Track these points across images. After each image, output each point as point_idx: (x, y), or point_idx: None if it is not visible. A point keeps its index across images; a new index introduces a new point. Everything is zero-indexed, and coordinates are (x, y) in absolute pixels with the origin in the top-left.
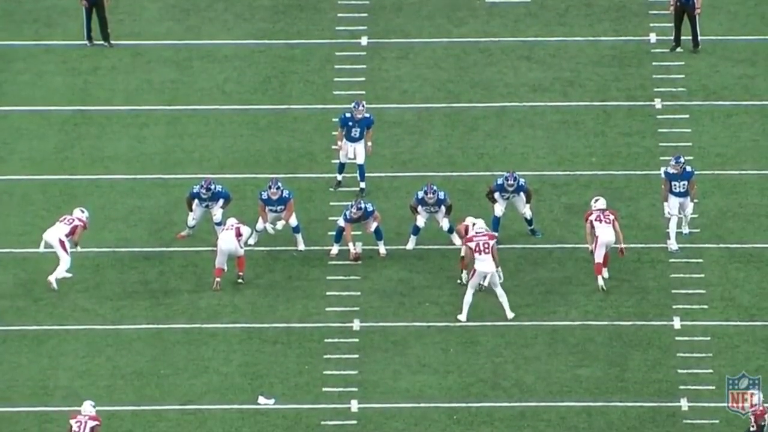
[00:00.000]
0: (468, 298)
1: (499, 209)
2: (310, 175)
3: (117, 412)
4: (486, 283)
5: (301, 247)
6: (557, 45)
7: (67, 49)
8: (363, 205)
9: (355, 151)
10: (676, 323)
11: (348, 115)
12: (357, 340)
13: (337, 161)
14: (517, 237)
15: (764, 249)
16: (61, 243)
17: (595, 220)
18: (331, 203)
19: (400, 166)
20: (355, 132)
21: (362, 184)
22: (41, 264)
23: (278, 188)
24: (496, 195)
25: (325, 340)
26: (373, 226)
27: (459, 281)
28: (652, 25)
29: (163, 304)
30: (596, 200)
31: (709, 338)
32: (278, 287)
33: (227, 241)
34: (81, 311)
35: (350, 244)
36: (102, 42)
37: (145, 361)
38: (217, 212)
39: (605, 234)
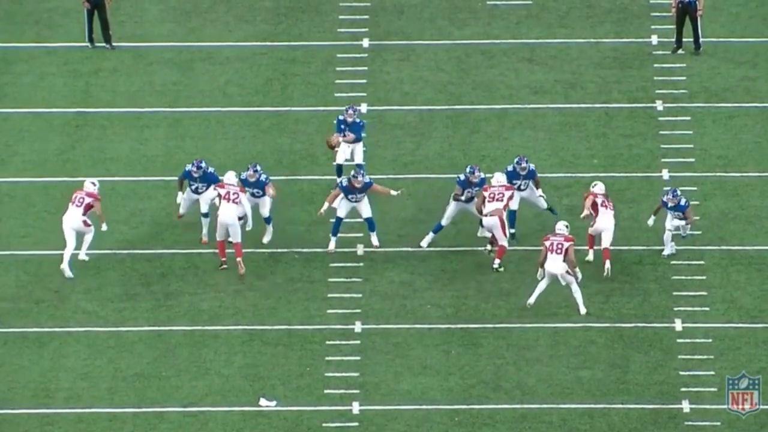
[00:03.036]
0: (542, 285)
1: (514, 203)
2: (311, 177)
3: (118, 414)
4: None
5: (266, 239)
6: (558, 47)
7: (68, 50)
8: (361, 177)
9: (353, 152)
10: (678, 325)
11: (341, 117)
12: (358, 342)
13: (335, 163)
14: (518, 238)
15: (766, 251)
16: (84, 223)
17: (601, 205)
18: (333, 204)
19: (401, 168)
20: (351, 138)
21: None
22: (43, 266)
23: (256, 171)
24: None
25: (327, 342)
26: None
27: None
28: (653, 27)
29: (165, 306)
30: (595, 185)
31: (710, 340)
32: (280, 289)
33: (228, 215)
34: (82, 313)
35: (325, 205)
36: (104, 44)
37: (147, 363)
38: (204, 205)
39: (603, 221)
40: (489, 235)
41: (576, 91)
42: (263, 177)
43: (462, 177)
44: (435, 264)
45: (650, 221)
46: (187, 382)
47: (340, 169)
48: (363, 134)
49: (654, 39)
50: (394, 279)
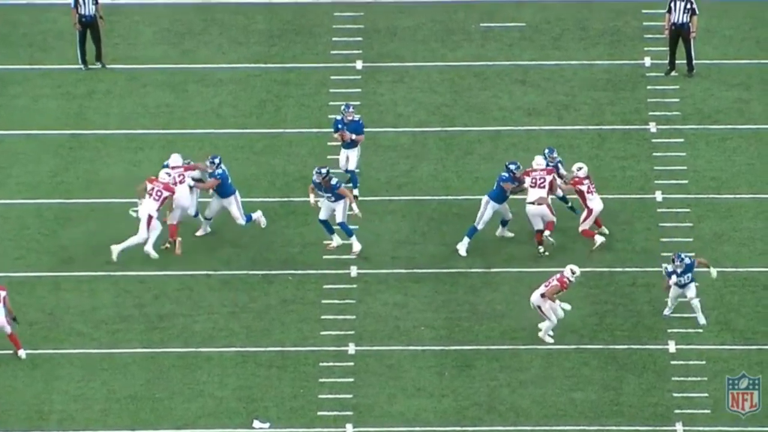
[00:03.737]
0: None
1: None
2: (305, 198)
3: None
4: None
5: (200, 233)
6: (552, 69)
7: (62, 73)
8: (325, 171)
9: (347, 158)
10: (671, 347)
11: (339, 117)
12: (352, 363)
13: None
14: (511, 260)
15: (759, 273)
16: (149, 220)
17: (587, 192)
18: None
19: (395, 190)
20: (348, 137)
21: (355, 191)
22: (36, 288)
23: (212, 163)
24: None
25: (320, 364)
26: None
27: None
28: (646, 48)
29: (158, 327)
30: (579, 168)
31: (704, 362)
32: (273, 311)
33: (184, 196)
34: (76, 335)
35: (311, 197)
36: (96, 64)
37: (140, 384)
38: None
39: (597, 205)
40: (510, 235)
41: (569, 112)
42: (218, 172)
43: (505, 174)
44: (428, 286)
45: (667, 311)
46: (181, 404)
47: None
48: (363, 132)
49: (647, 61)
50: (387, 301)
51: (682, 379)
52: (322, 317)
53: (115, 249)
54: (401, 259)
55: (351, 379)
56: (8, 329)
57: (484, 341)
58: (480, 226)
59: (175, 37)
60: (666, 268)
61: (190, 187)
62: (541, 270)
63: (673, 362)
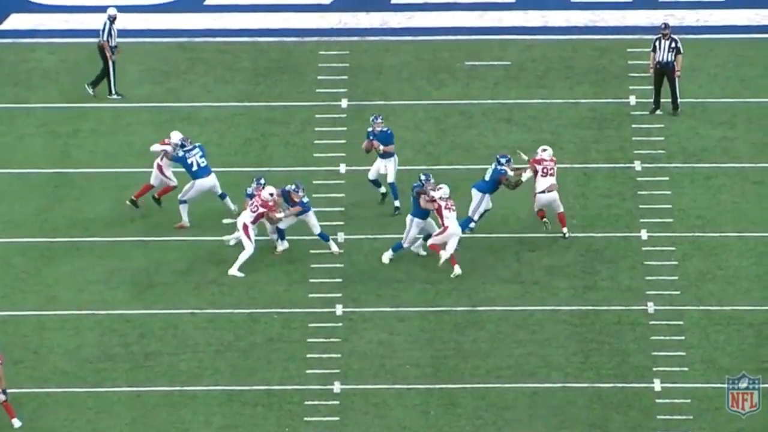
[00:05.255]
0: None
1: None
2: (290, 237)
3: None
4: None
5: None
6: (537, 107)
7: (47, 111)
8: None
9: (386, 169)
10: (657, 385)
11: (370, 129)
12: (337, 402)
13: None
14: (496, 299)
15: (744, 311)
16: (245, 228)
17: (542, 171)
18: (312, 265)
19: (381, 228)
20: (376, 146)
21: (396, 203)
22: (21, 327)
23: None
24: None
25: (306, 403)
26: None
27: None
28: (631, 87)
29: (144, 366)
30: (544, 150)
31: (689, 400)
32: (258, 349)
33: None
34: (61, 374)
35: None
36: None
37: (126, 423)
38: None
39: (544, 184)
40: (423, 253)
41: (555, 151)
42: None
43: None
44: (414, 324)
45: None
46: None
47: (375, 183)
48: (393, 142)
49: (632, 99)
50: (372, 339)
51: (667, 417)
52: (308, 356)
53: (232, 271)
54: (386, 297)
55: (337, 418)
56: (2, 397)
57: (470, 379)
58: (406, 245)
59: (161, 75)
60: None
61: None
62: (525, 308)
63: (658, 400)
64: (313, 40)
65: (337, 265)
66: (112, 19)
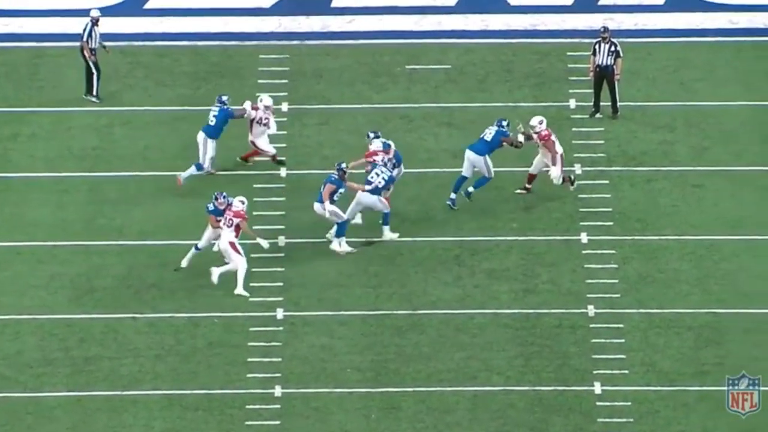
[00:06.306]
0: None
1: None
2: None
3: None
4: None
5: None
6: (477, 111)
7: None
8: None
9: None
10: (597, 388)
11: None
12: (278, 406)
13: None
14: (437, 302)
15: (684, 314)
16: (232, 245)
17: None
18: (253, 269)
19: (322, 231)
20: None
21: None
22: None
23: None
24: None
25: (247, 407)
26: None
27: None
28: (571, 90)
29: (84, 371)
30: (540, 122)
31: (629, 403)
32: (199, 353)
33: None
34: (1, 379)
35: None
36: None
37: (66, 428)
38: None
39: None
40: (350, 249)
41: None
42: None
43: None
44: (355, 328)
45: None
46: None
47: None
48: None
49: (572, 103)
50: (314, 343)
51: (607, 420)
52: (249, 360)
53: (239, 291)
54: (327, 301)
55: (278, 422)
56: None
57: (411, 383)
58: (347, 216)
59: (101, 79)
60: None
61: None
62: (465, 312)
63: (599, 403)
64: (253, 43)
65: (278, 269)
66: (95, 21)
